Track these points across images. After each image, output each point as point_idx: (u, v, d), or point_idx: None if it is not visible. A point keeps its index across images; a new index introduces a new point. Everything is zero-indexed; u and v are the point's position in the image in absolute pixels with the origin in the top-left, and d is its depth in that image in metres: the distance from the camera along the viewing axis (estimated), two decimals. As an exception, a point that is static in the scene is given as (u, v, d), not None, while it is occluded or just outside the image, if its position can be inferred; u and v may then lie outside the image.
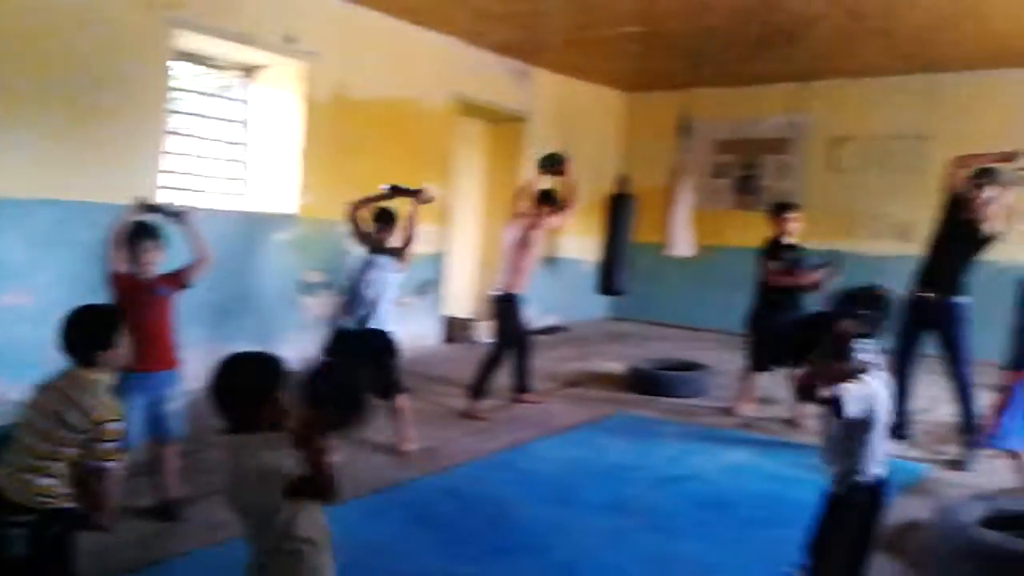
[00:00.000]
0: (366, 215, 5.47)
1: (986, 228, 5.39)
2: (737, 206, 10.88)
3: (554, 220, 6.57)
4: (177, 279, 4.15)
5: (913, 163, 9.47)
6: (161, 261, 4.09)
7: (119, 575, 3.39)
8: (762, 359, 6.32)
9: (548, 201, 6.53)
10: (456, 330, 9.21)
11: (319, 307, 7.52)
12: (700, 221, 10.46)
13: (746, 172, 10.93)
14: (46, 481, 2.67)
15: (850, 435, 2.93)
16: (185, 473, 4.26)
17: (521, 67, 9.98)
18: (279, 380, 2.35)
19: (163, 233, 4.12)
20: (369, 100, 8.09)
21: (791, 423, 6.17)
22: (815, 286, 6.01)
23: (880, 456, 2.96)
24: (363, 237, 5.44)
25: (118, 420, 2.77)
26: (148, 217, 4.16)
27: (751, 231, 10.11)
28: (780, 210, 6.43)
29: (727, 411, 6.53)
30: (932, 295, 5.53)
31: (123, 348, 2.90)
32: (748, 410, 6.49)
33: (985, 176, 5.39)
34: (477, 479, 4.85)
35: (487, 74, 9.53)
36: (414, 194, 5.57)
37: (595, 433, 5.91)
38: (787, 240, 6.32)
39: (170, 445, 4.14)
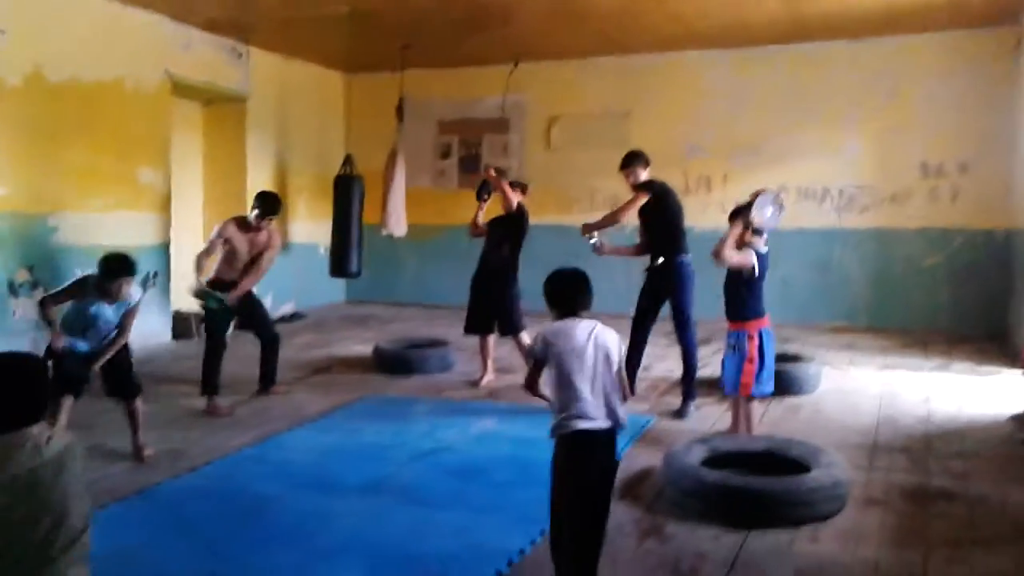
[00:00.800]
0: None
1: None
2: (463, 184, 11.18)
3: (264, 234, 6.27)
4: None
5: (617, 139, 10.24)
6: None
7: None
8: (471, 321, 6.71)
9: (265, 205, 6.22)
10: (186, 325, 8.73)
11: (29, 308, 6.85)
12: (428, 201, 10.73)
13: (469, 151, 11.26)
14: None
15: (553, 385, 3.08)
16: None
17: (236, 46, 9.60)
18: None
19: None
20: (69, 82, 7.44)
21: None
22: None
23: (585, 406, 3.02)
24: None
25: None
26: None
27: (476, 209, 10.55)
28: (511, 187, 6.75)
29: (472, 384, 6.77)
30: (658, 261, 6.02)
31: None
32: (491, 380, 6.78)
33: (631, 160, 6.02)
34: (227, 476, 4.67)
35: (200, 53, 9.08)
36: None
37: (347, 417, 5.89)
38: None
39: None
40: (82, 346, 4.79)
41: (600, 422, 3.04)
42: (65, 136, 7.39)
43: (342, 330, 9.55)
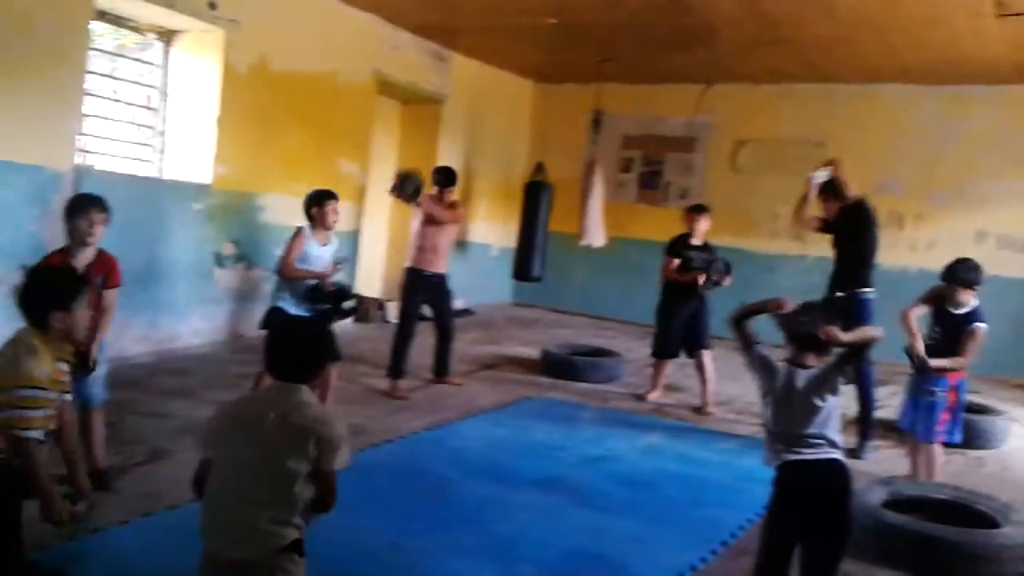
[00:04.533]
0: None
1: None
2: (641, 200, 11.19)
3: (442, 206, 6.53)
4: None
5: (808, 167, 9.92)
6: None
7: (57, 544, 3.27)
8: (666, 347, 6.66)
9: (444, 180, 6.60)
10: (365, 309, 9.16)
11: (232, 280, 7.38)
12: (605, 213, 10.76)
13: (651, 168, 11.25)
14: None
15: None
16: (109, 443, 4.16)
17: (439, 50, 9.99)
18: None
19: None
20: (289, 73, 7.93)
21: (699, 410, 6.48)
22: (695, 283, 6.41)
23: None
24: None
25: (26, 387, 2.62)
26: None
27: (654, 225, 10.53)
28: (692, 211, 6.73)
29: (639, 397, 6.78)
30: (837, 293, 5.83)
31: (79, 313, 2.79)
32: (657, 396, 6.77)
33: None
34: (408, 456, 4.90)
35: (407, 54, 9.49)
36: None
37: (517, 414, 6.04)
38: (695, 239, 6.60)
39: (96, 412, 4.03)
40: None
41: None
42: (279, 123, 7.88)
43: (509, 330, 9.75)
